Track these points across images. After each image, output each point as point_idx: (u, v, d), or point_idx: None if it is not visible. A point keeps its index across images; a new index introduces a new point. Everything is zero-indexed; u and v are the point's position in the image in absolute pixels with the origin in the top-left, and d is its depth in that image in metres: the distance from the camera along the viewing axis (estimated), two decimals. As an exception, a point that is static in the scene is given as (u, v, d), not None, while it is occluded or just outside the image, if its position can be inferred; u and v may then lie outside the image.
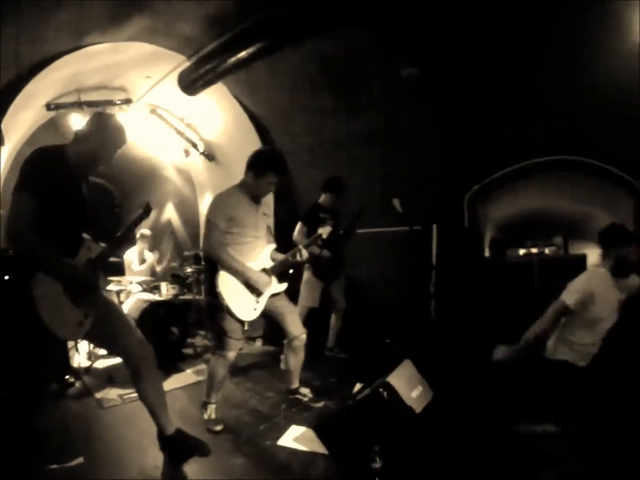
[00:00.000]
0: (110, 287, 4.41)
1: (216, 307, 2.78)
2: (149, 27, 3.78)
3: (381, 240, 4.56)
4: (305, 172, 5.13)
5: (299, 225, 3.98)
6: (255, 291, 2.80)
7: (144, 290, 4.79)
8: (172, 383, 3.64)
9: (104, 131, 2.11)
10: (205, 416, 2.89)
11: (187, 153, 6.04)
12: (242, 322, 2.81)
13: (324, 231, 3.05)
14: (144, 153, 6.48)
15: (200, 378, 3.81)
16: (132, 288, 4.66)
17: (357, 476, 2.21)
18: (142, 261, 5.13)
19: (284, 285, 3.00)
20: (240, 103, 5.16)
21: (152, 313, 4.22)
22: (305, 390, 3.29)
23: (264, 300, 2.86)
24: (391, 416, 2.30)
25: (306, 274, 4.13)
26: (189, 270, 5.14)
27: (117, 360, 3.97)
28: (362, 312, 4.33)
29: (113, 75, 4.95)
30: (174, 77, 4.63)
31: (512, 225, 4.15)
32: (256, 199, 2.90)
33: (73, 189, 2.07)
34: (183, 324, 4.55)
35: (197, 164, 6.46)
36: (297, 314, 3.12)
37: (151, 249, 5.42)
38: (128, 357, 2.23)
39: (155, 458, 2.38)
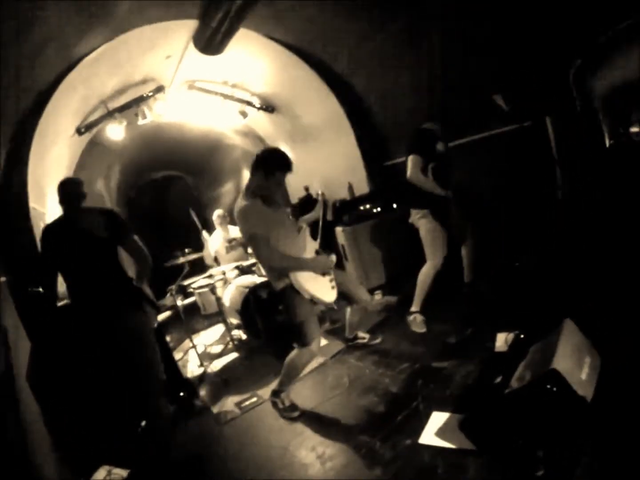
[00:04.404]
0: (200, 284, 4.14)
1: (288, 301, 2.69)
2: (129, 10, 3.36)
3: (487, 146, 3.70)
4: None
5: (413, 159, 3.19)
6: (326, 274, 2.76)
7: (242, 273, 4.52)
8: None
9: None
10: (280, 405, 2.76)
11: (244, 114, 5.48)
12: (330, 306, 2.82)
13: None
14: (200, 131, 6.11)
15: (321, 359, 3.33)
16: (229, 275, 4.40)
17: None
18: (230, 241, 4.76)
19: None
20: (274, 39, 4.43)
21: (255, 299, 3.90)
22: (362, 334, 3.45)
23: (332, 276, 2.81)
24: (558, 413, 1.61)
25: (427, 223, 3.34)
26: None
27: (230, 358, 3.92)
28: (486, 235, 3.61)
29: (129, 72, 4.45)
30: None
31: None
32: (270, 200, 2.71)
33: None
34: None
35: (259, 120, 5.94)
36: (357, 281, 3.33)
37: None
38: None
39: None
